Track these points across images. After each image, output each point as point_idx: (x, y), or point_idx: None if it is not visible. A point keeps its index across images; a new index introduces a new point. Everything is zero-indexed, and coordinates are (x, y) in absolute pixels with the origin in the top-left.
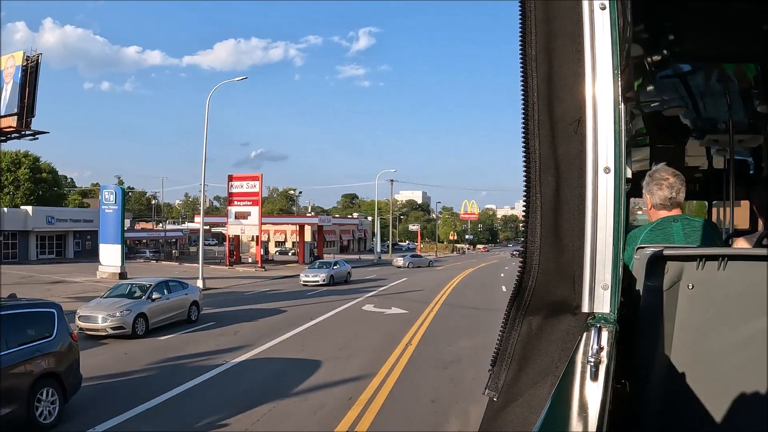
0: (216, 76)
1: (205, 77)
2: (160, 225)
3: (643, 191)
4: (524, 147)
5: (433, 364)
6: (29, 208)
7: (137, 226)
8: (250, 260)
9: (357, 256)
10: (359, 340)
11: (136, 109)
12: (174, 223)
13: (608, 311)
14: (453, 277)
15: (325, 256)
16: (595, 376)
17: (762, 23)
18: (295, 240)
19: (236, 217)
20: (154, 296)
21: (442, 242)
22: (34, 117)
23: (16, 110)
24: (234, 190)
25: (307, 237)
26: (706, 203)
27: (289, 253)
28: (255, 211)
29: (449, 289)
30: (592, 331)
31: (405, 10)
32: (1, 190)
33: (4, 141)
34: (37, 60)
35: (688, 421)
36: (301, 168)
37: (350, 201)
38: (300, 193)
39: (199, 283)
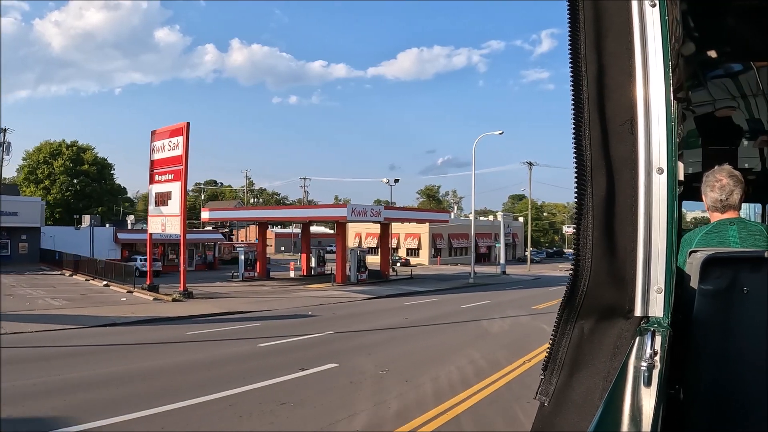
0: (401, 85)
1: (391, 86)
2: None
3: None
4: (575, 148)
5: None
6: None
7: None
8: (292, 275)
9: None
10: None
11: (323, 120)
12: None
13: (662, 315)
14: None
15: (422, 266)
16: (648, 382)
17: None
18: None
19: (157, 204)
20: None
21: None
22: None
23: None
24: (156, 156)
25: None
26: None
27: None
28: (176, 189)
29: None
30: (646, 336)
31: None
32: None
33: None
34: None
35: (741, 428)
36: (484, 173)
37: (518, 201)
38: (461, 197)
39: None
